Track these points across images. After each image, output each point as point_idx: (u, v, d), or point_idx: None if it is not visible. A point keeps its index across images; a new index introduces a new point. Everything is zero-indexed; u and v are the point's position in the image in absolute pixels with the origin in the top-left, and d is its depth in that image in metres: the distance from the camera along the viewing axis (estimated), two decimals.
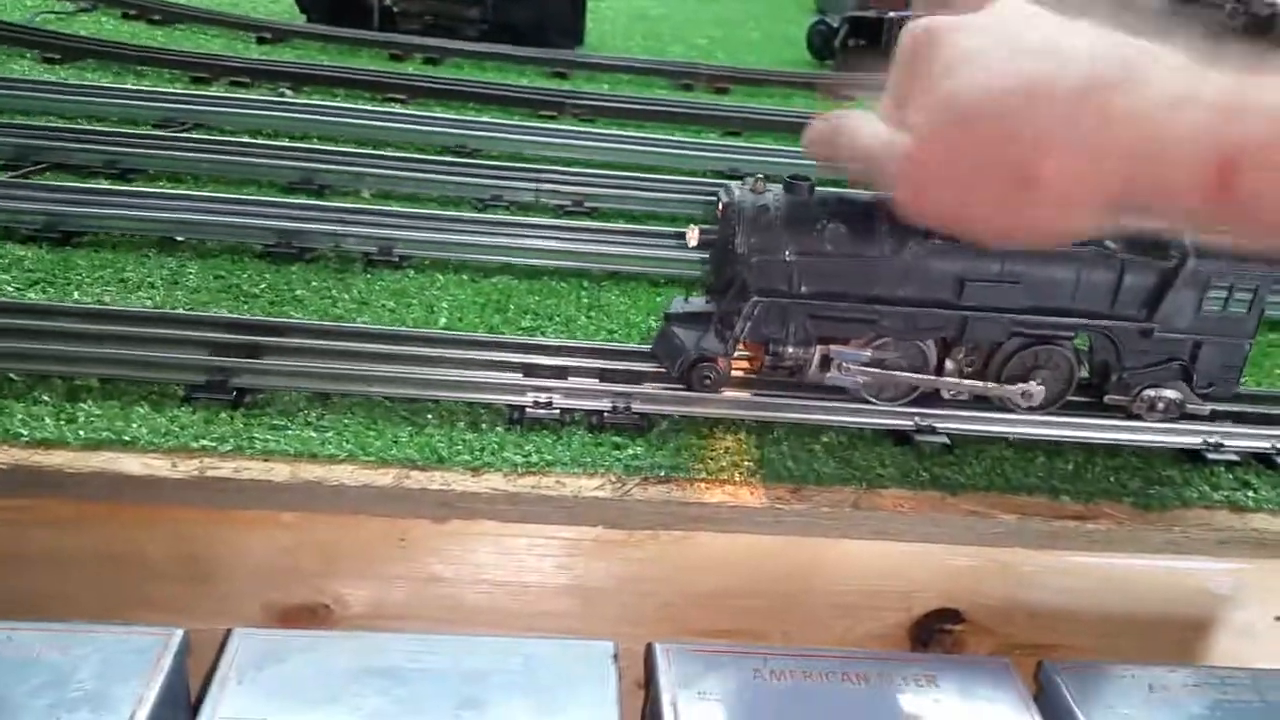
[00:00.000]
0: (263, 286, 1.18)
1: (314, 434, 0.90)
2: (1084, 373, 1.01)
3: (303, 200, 1.39)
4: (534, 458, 0.91)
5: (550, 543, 0.88)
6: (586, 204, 1.54)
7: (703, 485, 0.90)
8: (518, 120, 1.94)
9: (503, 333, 1.12)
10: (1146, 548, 0.92)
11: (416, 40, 2.42)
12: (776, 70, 2.54)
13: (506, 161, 1.69)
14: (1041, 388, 0.97)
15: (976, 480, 0.94)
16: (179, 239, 1.27)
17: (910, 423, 0.99)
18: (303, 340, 1.01)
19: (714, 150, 1.85)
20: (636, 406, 0.97)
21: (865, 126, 0.81)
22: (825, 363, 0.96)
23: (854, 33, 2.73)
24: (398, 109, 1.94)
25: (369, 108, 1.87)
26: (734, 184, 0.96)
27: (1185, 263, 0.93)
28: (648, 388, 0.99)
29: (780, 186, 0.94)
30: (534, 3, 2.60)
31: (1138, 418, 1.00)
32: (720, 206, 0.95)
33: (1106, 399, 1.00)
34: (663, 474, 0.91)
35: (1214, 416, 1.04)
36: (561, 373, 1.01)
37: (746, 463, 0.93)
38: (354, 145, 1.68)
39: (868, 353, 0.95)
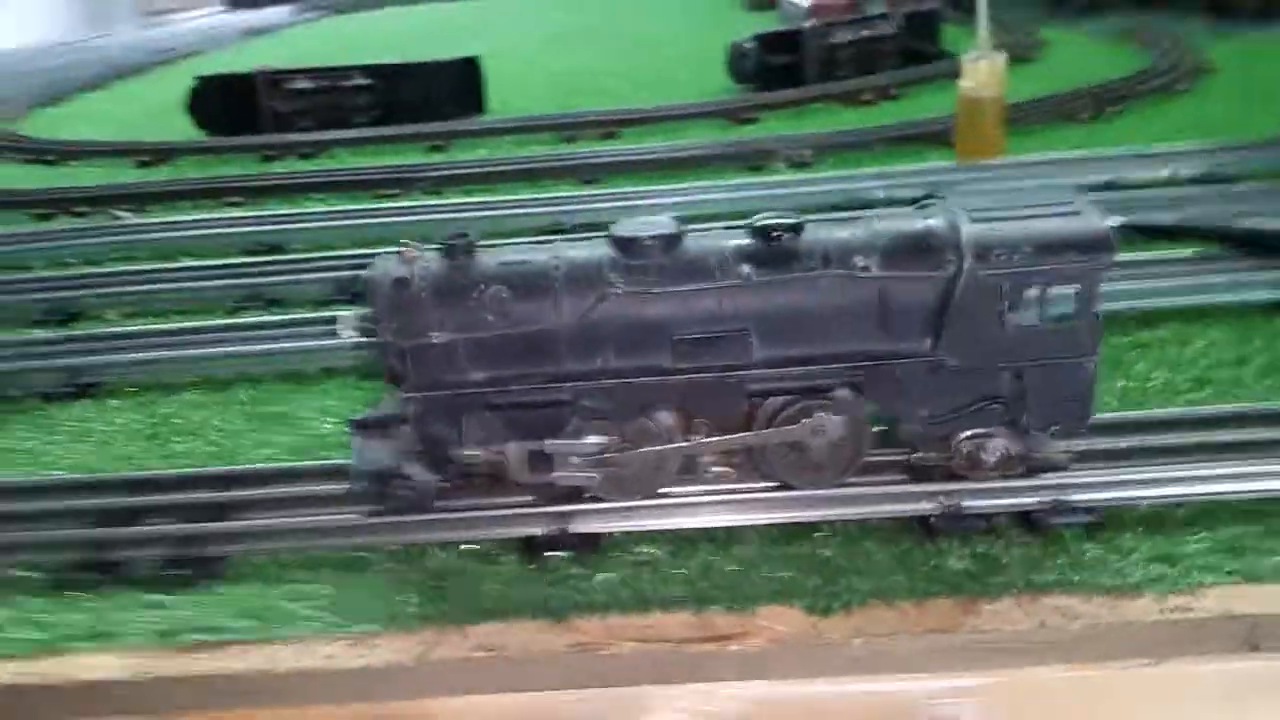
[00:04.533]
0: None
1: None
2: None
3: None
4: (52, 633, 0.73)
5: None
6: (352, 289, 1.35)
7: (236, 652, 0.70)
8: (357, 205, 1.79)
9: (132, 463, 0.95)
10: (820, 669, 0.67)
11: (294, 138, 2.32)
12: (668, 106, 2.33)
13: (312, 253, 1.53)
14: (830, 421, 0.73)
15: (599, 597, 0.71)
16: None
17: (540, 529, 0.77)
18: None
19: (559, 204, 1.67)
20: (201, 550, 0.78)
21: None
22: (538, 461, 0.75)
23: (768, 50, 2.51)
24: (230, 213, 1.81)
25: (178, 218, 1.75)
26: (381, 254, 0.77)
27: (962, 267, 0.69)
28: (224, 524, 0.80)
29: (438, 251, 0.75)
30: (424, 79, 2.47)
31: (961, 478, 0.75)
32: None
33: (913, 459, 0.77)
34: (192, 640, 0.71)
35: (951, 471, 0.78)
36: (133, 516, 0.83)
37: (305, 614, 0.73)
38: (144, 262, 1.55)
39: (595, 440, 0.74)
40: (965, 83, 1.66)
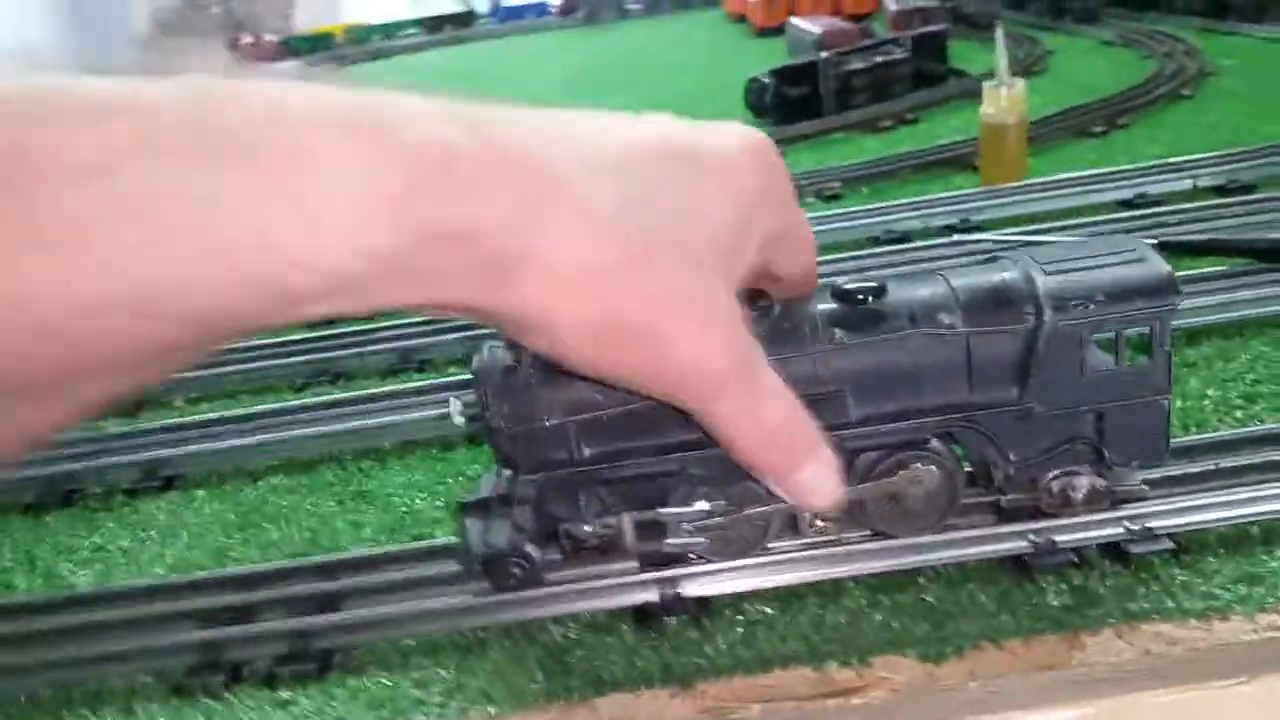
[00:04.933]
0: (3, 550, 1.07)
1: None
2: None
3: (88, 433, 1.29)
4: None
5: None
6: (416, 358, 1.40)
7: None
8: None
9: (230, 557, 0.98)
10: (939, 713, 0.70)
11: None
12: None
13: (361, 323, 1.56)
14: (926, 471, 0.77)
15: (720, 659, 0.74)
16: None
17: (654, 595, 0.80)
18: None
19: None
20: (319, 642, 0.81)
21: None
22: (646, 530, 0.78)
23: (785, 83, 2.55)
24: None
25: None
26: (489, 343, 0.79)
27: (1042, 319, 0.72)
28: (339, 614, 0.83)
29: None
30: None
31: (1053, 516, 0.79)
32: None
33: (1004, 502, 0.79)
34: None
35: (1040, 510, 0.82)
36: (245, 612, 0.86)
37: (432, 699, 0.76)
38: None
39: (704, 504, 0.77)
40: (987, 109, 1.70)
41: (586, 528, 0.77)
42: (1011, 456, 0.76)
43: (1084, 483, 0.77)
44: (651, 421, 0.75)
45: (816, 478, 0.49)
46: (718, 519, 0.77)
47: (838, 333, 0.74)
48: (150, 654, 0.83)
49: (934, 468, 0.76)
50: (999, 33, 1.69)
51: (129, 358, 0.33)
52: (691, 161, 0.46)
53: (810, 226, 0.60)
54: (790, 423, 0.48)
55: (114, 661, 0.83)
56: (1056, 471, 0.77)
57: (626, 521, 0.77)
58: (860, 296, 0.74)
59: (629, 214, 0.40)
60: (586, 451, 0.76)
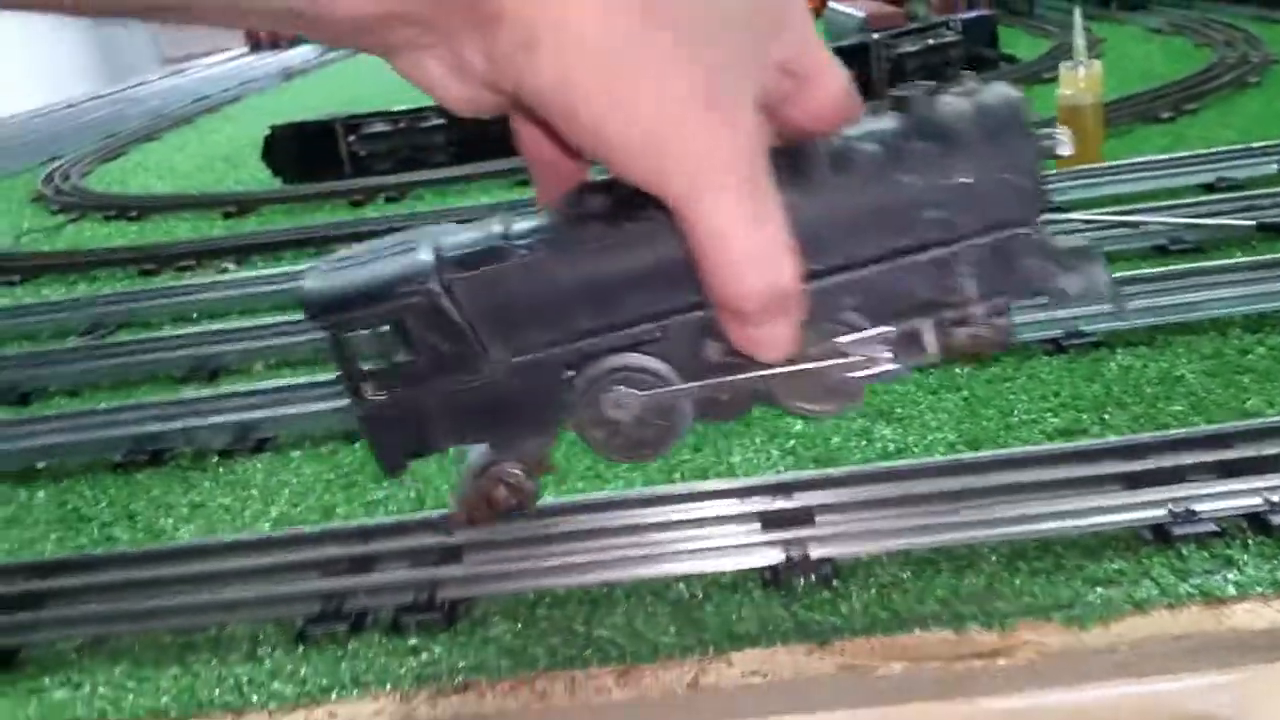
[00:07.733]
0: (101, 506, 1.07)
1: (65, 694, 0.78)
2: None
3: (167, 397, 1.29)
4: (309, 684, 0.76)
5: None
6: None
7: (505, 689, 0.73)
8: None
9: (338, 514, 0.98)
10: (1086, 676, 0.69)
11: (377, 181, 2.36)
12: None
13: None
14: None
15: (855, 620, 0.74)
16: (39, 465, 1.19)
17: (780, 555, 0.79)
18: (85, 578, 0.89)
19: None
20: (443, 593, 0.81)
21: None
22: None
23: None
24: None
25: (293, 268, 1.79)
26: None
27: None
28: (461, 567, 0.83)
29: None
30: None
31: None
32: None
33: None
34: (459, 680, 0.74)
35: (1186, 472, 0.81)
36: (366, 564, 0.86)
37: (566, 649, 0.76)
38: (269, 315, 1.59)
39: None
40: (1065, 90, 1.68)
41: None
42: None
43: None
44: None
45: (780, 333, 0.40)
46: None
47: None
48: (271, 602, 0.83)
49: None
50: (1077, 13, 1.68)
51: None
52: None
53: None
54: (780, 250, 0.37)
55: (235, 609, 0.83)
56: None
57: None
58: None
59: None
60: None
